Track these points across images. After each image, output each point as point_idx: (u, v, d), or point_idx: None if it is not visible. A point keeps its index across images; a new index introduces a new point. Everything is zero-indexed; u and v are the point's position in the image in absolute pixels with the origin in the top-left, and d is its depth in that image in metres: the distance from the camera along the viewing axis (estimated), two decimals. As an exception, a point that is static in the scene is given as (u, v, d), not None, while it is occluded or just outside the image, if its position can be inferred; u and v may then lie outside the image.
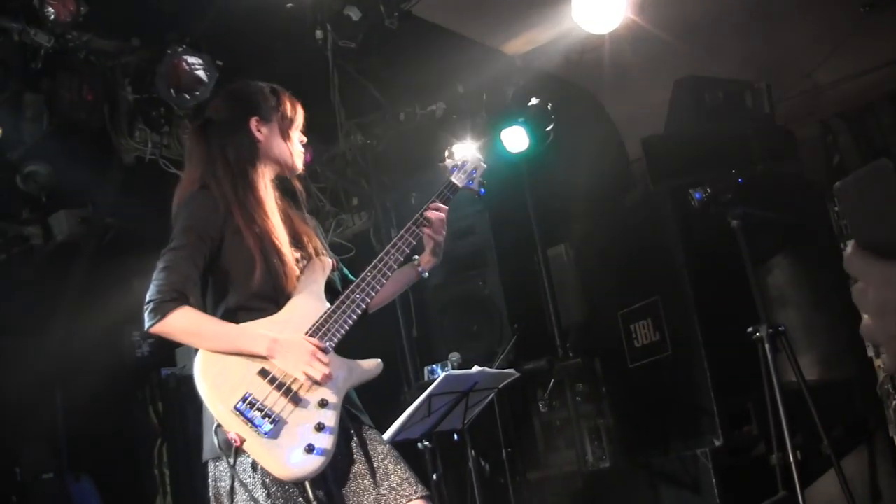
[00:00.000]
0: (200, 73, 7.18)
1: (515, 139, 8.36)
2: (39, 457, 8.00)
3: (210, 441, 3.58)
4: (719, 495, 6.59)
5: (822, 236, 7.02)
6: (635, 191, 8.33)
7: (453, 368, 6.86)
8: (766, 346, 5.78)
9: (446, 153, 4.43)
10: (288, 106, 4.00)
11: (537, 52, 8.17)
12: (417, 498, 3.65)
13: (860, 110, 7.86)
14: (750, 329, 5.87)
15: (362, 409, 3.89)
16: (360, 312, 3.77)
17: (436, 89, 8.28)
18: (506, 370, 6.44)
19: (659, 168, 7.29)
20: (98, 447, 8.31)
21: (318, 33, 7.12)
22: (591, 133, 8.94)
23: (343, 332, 3.71)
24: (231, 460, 3.47)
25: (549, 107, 8.08)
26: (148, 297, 3.55)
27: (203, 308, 3.64)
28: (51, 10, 6.32)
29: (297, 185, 4.10)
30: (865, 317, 1.28)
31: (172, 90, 7.15)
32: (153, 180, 8.13)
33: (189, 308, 3.53)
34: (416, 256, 4.15)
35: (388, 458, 3.72)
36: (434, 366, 7.94)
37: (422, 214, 4.07)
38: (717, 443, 6.61)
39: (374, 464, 3.69)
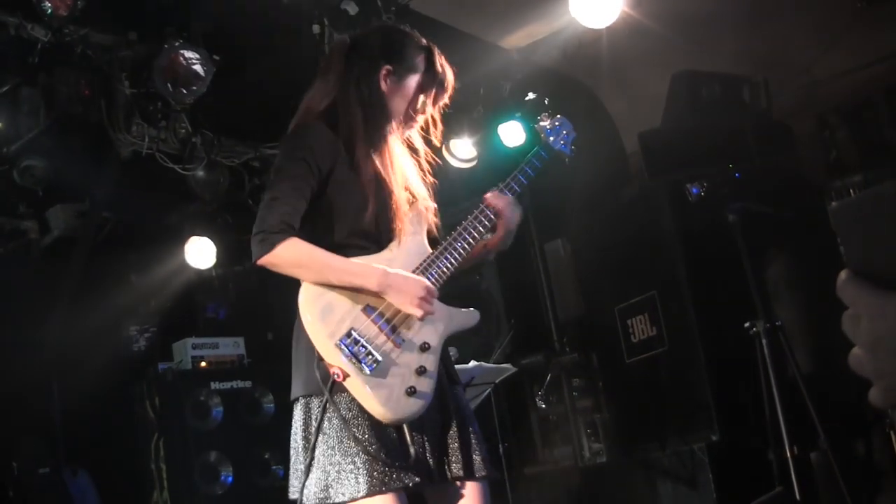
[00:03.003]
0: (197, 68, 7.17)
1: (512, 133, 8.37)
2: (36, 451, 7.99)
3: (305, 377, 3.52)
4: (716, 490, 6.60)
5: (818, 231, 7.01)
6: (632, 185, 8.33)
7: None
8: (763, 340, 5.79)
9: (541, 115, 4.39)
10: (437, 74, 3.85)
11: (534, 46, 8.17)
12: (482, 477, 3.61)
13: (857, 105, 7.85)
14: (747, 324, 5.88)
15: (451, 361, 3.86)
16: (461, 259, 3.73)
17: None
18: (503, 365, 6.45)
19: (656, 163, 7.29)
20: (95, 442, 8.30)
21: (316, 28, 7.11)
22: (588, 127, 8.91)
23: (444, 277, 3.68)
24: (326, 395, 3.40)
25: (546, 101, 8.05)
26: (255, 229, 3.48)
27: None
28: (48, 4, 6.31)
29: (412, 142, 3.96)
30: (856, 348, 1.26)
31: (169, 85, 7.14)
32: (150, 175, 8.14)
33: (297, 239, 3.44)
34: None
35: (470, 423, 3.67)
36: (431, 360, 7.94)
37: (518, 173, 4.01)
38: (714, 437, 6.62)
39: (461, 426, 3.63)
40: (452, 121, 8.43)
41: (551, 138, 4.28)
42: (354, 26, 7.04)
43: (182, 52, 7.09)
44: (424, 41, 3.92)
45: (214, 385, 8.70)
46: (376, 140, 3.69)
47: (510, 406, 8.65)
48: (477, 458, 3.62)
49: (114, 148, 7.76)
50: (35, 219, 8.42)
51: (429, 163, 3.99)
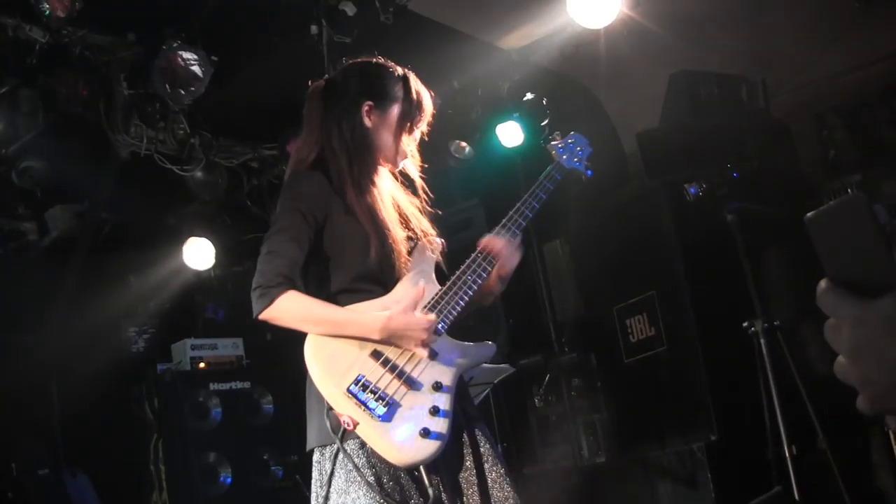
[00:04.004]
0: (196, 69, 7.16)
1: (510, 134, 8.37)
2: (35, 453, 7.99)
3: (318, 427, 3.49)
4: (715, 490, 6.60)
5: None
6: (631, 185, 8.33)
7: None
8: (762, 340, 5.79)
9: (554, 134, 4.35)
10: (413, 100, 3.84)
11: (532, 46, 8.17)
12: None
13: (855, 105, 7.85)
14: (745, 324, 5.88)
15: (471, 399, 3.82)
16: (472, 294, 3.67)
17: (431, 84, 8.25)
18: (501, 365, 6.43)
19: (654, 163, 7.29)
20: (94, 443, 8.30)
21: (314, 28, 7.11)
22: (586, 128, 8.89)
23: (455, 313, 3.62)
24: (337, 444, 3.36)
25: (544, 101, 8.09)
26: (254, 284, 3.46)
27: (305, 292, 3.50)
28: (46, 5, 6.31)
29: (407, 171, 3.94)
30: (840, 357, 1.27)
31: (168, 85, 7.14)
32: (148, 176, 8.14)
33: (296, 293, 3.42)
34: None
35: (489, 457, 3.61)
36: (430, 361, 7.93)
37: (530, 198, 4.00)
38: (713, 437, 6.62)
39: (478, 460, 3.58)
40: (451, 121, 8.43)
41: (564, 157, 4.24)
42: (353, 26, 7.05)
43: (180, 52, 7.09)
44: (400, 69, 3.91)
45: (213, 386, 8.69)
46: (365, 182, 3.67)
47: (509, 406, 8.65)
48: (499, 491, 3.56)
49: (112, 149, 7.76)
50: (34, 220, 8.42)
51: (424, 191, 3.96)
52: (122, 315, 9.24)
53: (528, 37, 8.10)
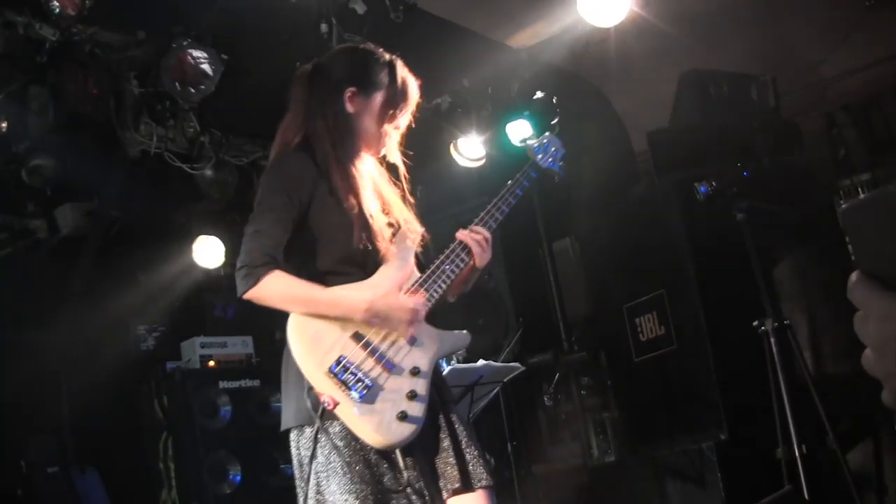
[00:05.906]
0: (205, 67, 7.17)
1: (520, 132, 8.36)
2: (44, 450, 8.00)
3: (295, 407, 3.54)
4: (724, 489, 6.59)
5: (827, 230, 7.01)
6: (641, 184, 8.33)
7: (458, 362, 6.86)
8: (772, 339, 5.78)
9: (530, 136, 4.39)
10: (398, 87, 3.84)
11: (542, 45, 8.16)
12: (481, 487, 3.61)
13: (866, 103, 7.84)
14: (755, 323, 5.87)
15: (447, 383, 3.89)
16: (449, 283, 3.74)
17: (441, 83, 8.27)
18: (511, 364, 6.44)
19: (664, 161, 7.28)
20: (103, 440, 8.31)
21: (324, 27, 7.11)
22: (596, 126, 8.94)
23: (433, 300, 3.68)
24: (317, 424, 3.41)
25: (553, 100, 8.06)
26: (239, 263, 3.50)
27: (289, 272, 3.53)
28: (56, 3, 6.31)
29: (390, 159, 3.96)
30: (867, 349, 1.26)
31: (178, 84, 7.15)
32: (158, 174, 8.15)
33: (281, 272, 3.46)
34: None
35: (464, 438, 3.68)
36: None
37: (504, 198, 4.04)
38: (723, 436, 6.60)
39: (454, 442, 3.65)
40: (461, 119, 8.43)
41: (539, 156, 4.31)
42: (363, 25, 7.05)
43: (190, 51, 7.10)
44: (387, 55, 3.92)
45: (223, 384, 8.70)
46: (348, 166, 3.70)
47: (519, 405, 8.64)
48: (475, 469, 3.62)
49: (122, 147, 7.77)
50: (43, 218, 8.42)
51: (406, 179, 3.97)
52: (132, 313, 9.24)
53: (537, 35, 8.10)
